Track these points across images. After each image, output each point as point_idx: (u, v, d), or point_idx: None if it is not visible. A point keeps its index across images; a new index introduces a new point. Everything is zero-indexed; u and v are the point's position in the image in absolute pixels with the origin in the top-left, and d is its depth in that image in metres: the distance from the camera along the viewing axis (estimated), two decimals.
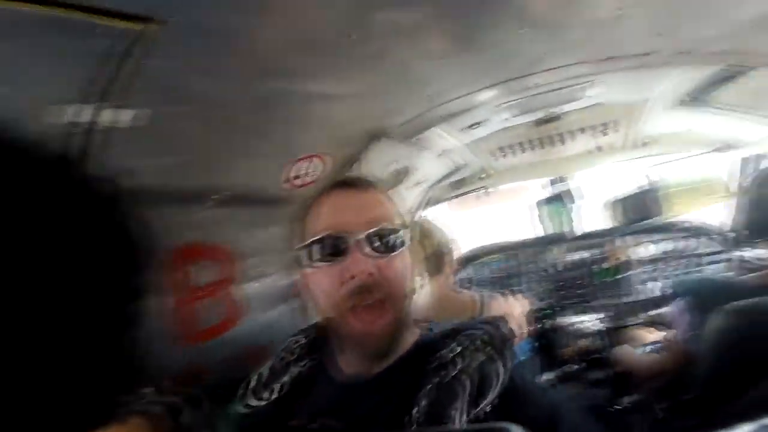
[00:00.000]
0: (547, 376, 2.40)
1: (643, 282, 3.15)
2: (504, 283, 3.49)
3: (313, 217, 0.77)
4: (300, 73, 0.96)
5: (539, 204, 2.97)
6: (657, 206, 2.49)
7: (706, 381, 1.15)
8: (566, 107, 1.92)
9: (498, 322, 0.78)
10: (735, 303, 1.11)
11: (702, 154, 2.41)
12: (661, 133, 2.35)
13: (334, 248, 0.72)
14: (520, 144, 2.42)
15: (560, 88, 1.69)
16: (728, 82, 1.66)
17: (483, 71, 1.27)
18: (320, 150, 1.32)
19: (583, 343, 2.80)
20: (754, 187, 1.52)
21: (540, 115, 2.00)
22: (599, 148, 2.57)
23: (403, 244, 0.75)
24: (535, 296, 3.34)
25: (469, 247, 3.72)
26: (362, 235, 0.71)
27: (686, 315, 1.32)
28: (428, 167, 2.48)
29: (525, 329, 1.64)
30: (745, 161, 2.48)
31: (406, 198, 2.42)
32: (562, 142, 2.35)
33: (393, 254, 0.73)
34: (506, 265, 3.54)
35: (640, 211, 2.56)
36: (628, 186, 2.76)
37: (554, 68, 1.33)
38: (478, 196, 3.19)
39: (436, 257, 1.54)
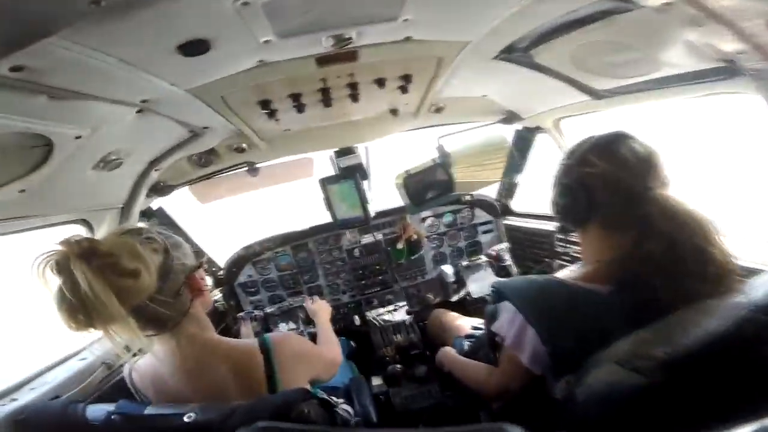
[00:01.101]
0: (376, 381, 2.22)
1: (435, 260, 2.92)
2: (297, 279, 2.75)
3: None
4: None
5: (324, 183, 2.15)
6: (448, 181, 2.05)
7: None
8: (365, 31, 1.07)
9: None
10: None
11: (491, 124, 2.09)
12: (457, 97, 1.85)
13: None
14: (294, 98, 1.48)
15: None
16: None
17: None
18: None
19: (399, 339, 2.48)
20: None
21: (327, 43, 1.09)
22: (394, 111, 1.90)
23: None
24: (337, 290, 2.88)
25: (242, 244, 2.70)
26: None
27: (524, 329, 1.05)
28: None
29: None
30: (518, 133, 2.33)
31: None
32: (354, 97, 1.54)
33: None
34: (296, 259, 2.77)
35: (431, 187, 2.08)
36: (419, 158, 2.24)
37: None
38: (237, 177, 2.12)
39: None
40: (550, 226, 2.48)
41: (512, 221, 2.87)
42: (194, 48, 0.91)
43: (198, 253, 1.24)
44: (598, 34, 1.13)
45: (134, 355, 0.97)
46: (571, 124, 2.07)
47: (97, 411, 0.95)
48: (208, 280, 2.64)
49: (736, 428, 0.50)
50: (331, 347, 1.58)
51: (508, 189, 2.81)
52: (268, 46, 1.04)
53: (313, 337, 2.30)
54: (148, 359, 1.08)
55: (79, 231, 1.66)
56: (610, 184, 1.01)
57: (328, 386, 1.55)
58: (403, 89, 1.62)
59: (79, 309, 0.80)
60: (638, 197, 0.98)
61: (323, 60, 1.25)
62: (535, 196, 2.83)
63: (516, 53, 1.34)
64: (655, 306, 0.86)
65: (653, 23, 1.03)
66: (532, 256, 2.70)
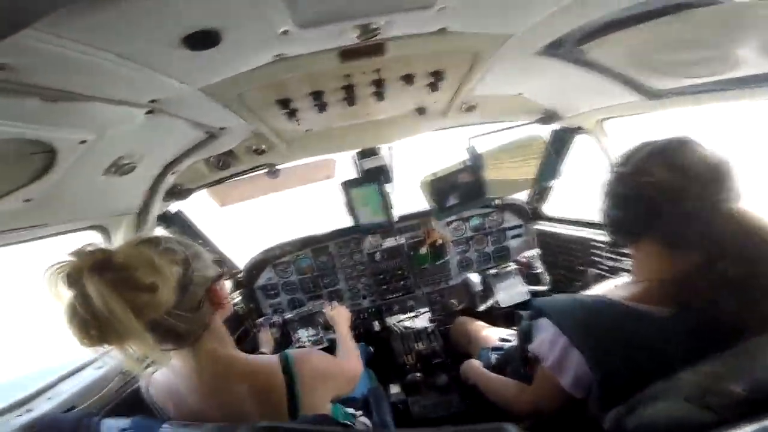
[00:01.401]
0: (394, 389, 2.15)
1: (461, 265, 2.76)
2: (317, 283, 2.65)
3: None
4: None
5: (346, 186, 2.01)
6: (479, 185, 1.88)
7: None
8: (394, 20, 0.91)
9: None
10: None
11: (527, 123, 1.89)
12: (490, 95, 1.67)
13: None
14: (315, 96, 1.35)
15: None
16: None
17: None
18: None
19: (420, 346, 2.34)
20: None
21: (352, 34, 0.94)
22: (421, 110, 1.74)
23: None
24: (357, 294, 2.77)
25: (263, 247, 2.61)
26: None
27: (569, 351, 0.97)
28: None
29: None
30: (555, 134, 2.12)
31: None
32: (380, 95, 1.39)
33: None
34: (317, 262, 2.66)
35: (460, 191, 1.92)
36: (447, 159, 2.08)
37: None
38: (257, 179, 2.01)
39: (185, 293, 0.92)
40: (585, 232, 2.29)
41: (544, 226, 2.66)
42: (202, 40, 0.78)
43: (219, 261, 1.12)
44: (669, 29, 0.94)
45: (147, 366, 0.91)
46: (616, 125, 1.86)
47: (111, 427, 0.90)
48: (228, 286, 2.57)
49: (737, 428, 0.48)
50: (352, 359, 1.49)
51: (540, 192, 2.61)
52: (286, 37, 0.90)
53: (333, 344, 2.23)
54: (166, 372, 1.02)
55: (95, 238, 1.60)
56: (673, 195, 0.89)
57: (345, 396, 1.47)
58: (433, 86, 1.45)
59: (92, 324, 0.75)
60: (707, 211, 0.85)
61: (347, 54, 1.10)
62: (571, 200, 2.63)
63: (564, 48, 1.16)
64: (725, 333, 0.76)
65: (735, 18, 0.84)
66: (564, 264, 2.50)
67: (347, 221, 2.53)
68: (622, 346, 0.88)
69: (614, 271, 2.08)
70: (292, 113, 1.43)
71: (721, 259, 0.83)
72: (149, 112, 1.13)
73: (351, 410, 1.57)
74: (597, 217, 2.13)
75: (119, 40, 0.73)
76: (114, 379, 1.36)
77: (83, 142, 1.07)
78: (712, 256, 0.84)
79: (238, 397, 0.95)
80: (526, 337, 1.27)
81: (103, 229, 1.61)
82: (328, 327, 2.35)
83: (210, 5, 0.71)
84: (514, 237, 2.79)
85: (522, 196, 2.73)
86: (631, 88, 1.32)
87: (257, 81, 1.13)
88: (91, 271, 0.75)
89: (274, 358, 1.02)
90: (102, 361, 1.41)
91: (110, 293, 0.74)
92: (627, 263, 1.93)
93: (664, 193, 0.89)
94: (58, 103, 0.87)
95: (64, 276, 0.76)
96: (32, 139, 0.92)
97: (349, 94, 1.38)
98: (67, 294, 0.76)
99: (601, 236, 2.17)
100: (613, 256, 2.07)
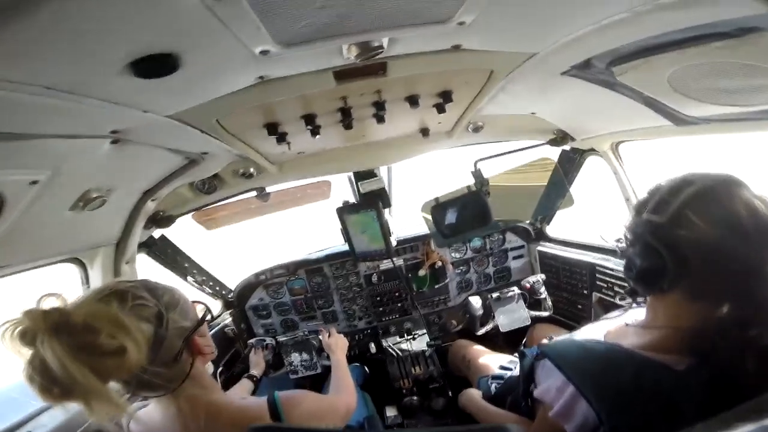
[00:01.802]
0: (390, 412, 2.06)
1: (460, 287, 2.58)
2: (311, 304, 2.50)
3: None
4: None
5: (342, 212, 1.83)
6: (483, 212, 1.71)
7: None
8: (401, 37, 0.75)
9: None
10: None
11: (537, 145, 1.74)
12: (500, 115, 1.51)
13: None
14: (307, 119, 1.17)
15: None
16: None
17: None
18: None
19: (417, 371, 2.19)
20: None
21: (348, 54, 0.78)
22: (425, 131, 1.57)
23: None
24: (352, 316, 2.60)
25: (254, 269, 2.43)
26: None
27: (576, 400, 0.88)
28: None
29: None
30: (564, 154, 1.95)
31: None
32: (380, 118, 1.22)
33: None
34: (311, 284, 2.51)
35: (463, 218, 1.75)
36: (448, 176, 1.91)
37: None
38: (246, 201, 1.82)
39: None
40: (590, 257, 2.14)
41: (546, 248, 2.50)
42: (156, 67, 0.60)
43: (200, 303, 0.95)
44: (726, 54, 0.77)
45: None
46: (630, 147, 1.70)
47: None
48: (217, 307, 2.38)
49: (737, 428, 0.45)
50: (347, 394, 1.40)
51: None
52: (267, 58, 0.72)
53: (326, 370, 2.11)
54: (151, 410, 0.94)
55: (71, 270, 1.42)
56: (715, 254, 0.77)
57: None
58: (440, 108, 1.28)
59: (53, 385, 0.67)
60: (752, 272, 0.74)
61: (343, 74, 0.93)
62: (574, 222, 2.47)
63: (593, 69, 1.00)
64: (742, 388, 0.69)
65: None
66: (567, 287, 2.34)
67: (341, 244, 2.37)
68: (634, 399, 0.81)
69: (617, 296, 1.93)
70: (281, 137, 1.25)
71: (755, 323, 0.74)
72: (114, 141, 0.94)
73: None
74: (602, 241, 2.04)
75: (56, 72, 0.55)
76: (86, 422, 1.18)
77: (34, 183, 0.89)
78: (744, 317, 0.76)
79: None
80: (528, 374, 1.19)
81: (79, 262, 1.43)
82: (321, 352, 2.19)
83: (157, 27, 0.52)
84: (515, 258, 2.63)
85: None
86: (658, 113, 1.16)
87: (238, 105, 0.95)
88: (47, 334, 0.66)
89: (262, 402, 0.95)
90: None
91: (70, 360, 0.65)
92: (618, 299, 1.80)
93: (703, 251, 0.77)
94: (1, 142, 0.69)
95: (18, 335, 0.67)
96: None
97: (346, 117, 1.20)
98: (26, 351, 0.68)
99: (606, 261, 2.03)
100: (620, 283, 1.92)
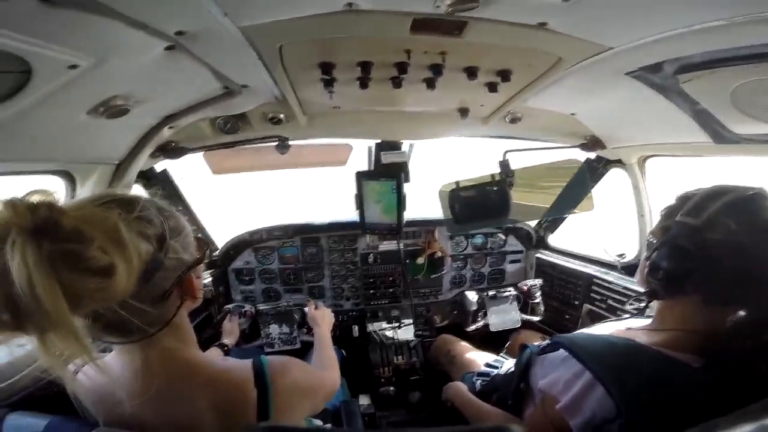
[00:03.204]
0: (364, 400, 2.10)
1: (453, 282, 2.62)
2: (299, 276, 2.48)
3: None
4: None
5: (361, 177, 1.83)
6: (504, 203, 1.75)
7: None
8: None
9: None
10: None
11: (567, 147, 1.80)
12: (541, 110, 1.55)
13: None
14: (363, 67, 1.17)
15: None
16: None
17: None
18: None
19: (400, 360, 2.24)
20: None
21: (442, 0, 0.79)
22: (464, 112, 1.59)
23: None
24: (340, 295, 2.58)
25: (249, 227, 2.38)
26: None
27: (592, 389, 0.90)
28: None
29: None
30: (588, 163, 2.03)
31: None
32: (431, 83, 1.23)
33: None
34: (303, 254, 2.47)
35: (482, 206, 1.78)
36: (464, 168, 1.95)
37: None
38: (262, 151, 1.79)
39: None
40: (590, 269, 2.24)
41: (545, 256, 2.60)
42: None
43: (201, 241, 0.88)
44: None
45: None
46: (654, 166, 1.80)
47: (21, 422, 0.75)
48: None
49: (737, 428, 0.49)
50: (333, 371, 1.34)
51: (552, 220, 2.54)
52: None
53: (305, 346, 2.09)
54: (108, 362, 0.80)
55: (57, 185, 1.31)
56: (746, 259, 0.82)
57: None
58: (492, 87, 1.31)
59: (5, 307, 0.53)
60: None
61: (422, 24, 0.93)
62: (578, 232, 2.59)
63: (660, 74, 1.05)
64: (756, 388, 0.74)
65: None
66: (558, 296, 2.45)
67: (346, 215, 2.36)
68: (654, 393, 0.83)
69: (611, 311, 2.04)
70: (329, 82, 1.23)
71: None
72: (169, 47, 0.91)
73: (318, 422, 1.42)
74: (604, 254, 2.15)
75: None
76: (33, 363, 1.04)
77: (73, 67, 0.83)
78: (760, 322, 0.82)
79: (194, 409, 0.76)
80: (524, 367, 1.22)
81: (69, 176, 1.33)
82: (303, 326, 2.16)
83: None
84: (512, 262, 2.72)
85: (532, 222, 2.65)
86: (703, 127, 1.23)
87: (310, 33, 0.94)
88: (23, 234, 0.52)
89: (246, 365, 0.83)
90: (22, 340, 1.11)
91: (41, 273, 0.51)
92: (629, 306, 1.91)
93: (734, 255, 0.83)
94: (57, 9, 0.64)
95: None
96: (6, 51, 0.68)
97: (400, 74, 1.21)
98: None
99: (606, 275, 2.13)
100: (616, 297, 2.03)
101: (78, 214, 0.58)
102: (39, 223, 0.53)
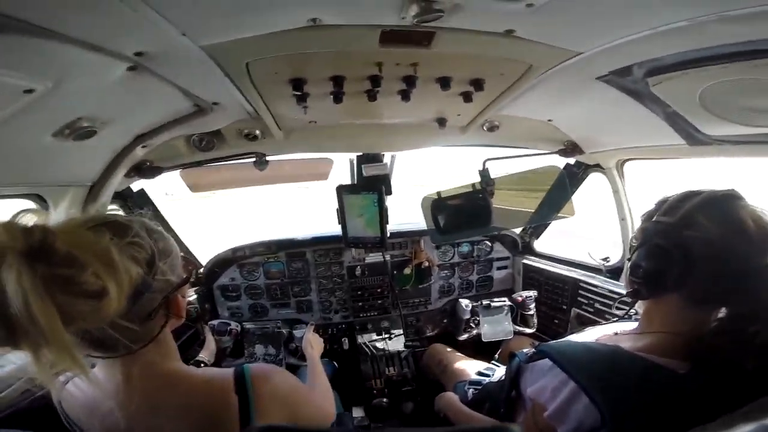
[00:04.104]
0: (357, 413, 2.07)
1: (442, 291, 2.59)
2: (286, 291, 2.45)
3: None
4: None
5: (342, 191, 1.81)
6: (486, 212, 1.74)
7: None
8: (461, 7, 0.76)
9: None
10: None
11: (545, 153, 1.80)
12: (518, 117, 1.56)
13: None
14: (336, 82, 1.15)
15: None
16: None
17: None
18: None
19: (391, 371, 2.20)
20: None
21: (406, 12, 0.78)
22: (441, 122, 1.58)
23: None
24: (329, 308, 2.54)
25: (234, 243, 2.33)
26: None
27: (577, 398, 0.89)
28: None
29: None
30: (568, 168, 2.04)
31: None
32: (406, 95, 1.22)
33: None
34: (289, 269, 2.44)
35: (465, 216, 1.77)
36: (447, 176, 1.93)
37: None
38: (240, 167, 1.76)
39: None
40: (575, 273, 2.24)
41: (532, 261, 2.59)
42: None
43: (188, 261, 0.87)
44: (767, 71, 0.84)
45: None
46: (631, 169, 1.81)
47: None
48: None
49: (737, 428, 0.49)
50: (327, 399, 1.28)
51: (536, 227, 2.53)
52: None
53: (291, 370, 2.02)
54: (83, 382, 0.82)
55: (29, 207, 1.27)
56: (719, 253, 0.84)
57: None
58: (467, 97, 1.30)
59: (2, 324, 0.54)
60: (753, 273, 0.81)
61: (390, 37, 0.92)
62: (561, 237, 2.59)
63: (630, 78, 1.05)
64: (742, 390, 0.74)
65: None
66: (546, 302, 2.44)
67: (329, 228, 2.33)
68: (639, 401, 0.82)
69: (598, 314, 2.03)
70: (302, 98, 1.22)
71: (753, 321, 0.80)
72: (131, 68, 0.88)
73: None
74: (588, 259, 2.15)
75: None
76: (20, 379, 1.05)
77: (29, 91, 0.80)
78: (743, 316, 0.82)
79: (175, 419, 0.77)
80: (514, 376, 1.21)
81: (41, 199, 1.28)
82: (288, 345, 2.12)
83: None
84: (499, 269, 2.70)
85: (517, 228, 2.64)
86: (676, 130, 1.24)
87: (276, 49, 0.92)
88: (18, 257, 0.53)
89: (227, 373, 0.83)
90: (10, 356, 1.08)
91: (36, 294, 0.53)
92: (615, 309, 1.90)
93: (709, 250, 0.84)
94: (4, 35, 0.62)
95: None
96: None
97: (373, 87, 1.19)
98: None
99: (591, 279, 2.13)
100: (602, 300, 2.02)
101: (70, 239, 0.59)
102: (34, 246, 0.55)
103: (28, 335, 0.54)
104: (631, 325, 1.17)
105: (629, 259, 1.00)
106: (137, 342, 0.75)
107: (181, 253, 0.88)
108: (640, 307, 1.08)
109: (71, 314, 0.57)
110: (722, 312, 0.86)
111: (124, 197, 1.65)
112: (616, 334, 1.13)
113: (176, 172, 1.69)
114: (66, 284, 0.57)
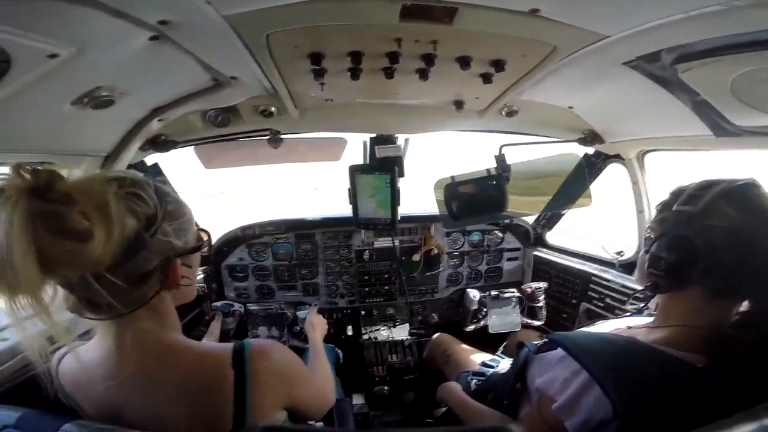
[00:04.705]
0: (357, 399, 2.11)
1: (450, 280, 2.60)
2: (294, 273, 2.47)
3: None
4: None
5: (354, 171, 1.82)
6: (500, 199, 1.74)
7: None
8: None
9: None
10: None
11: (563, 141, 1.78)
12: (538, 103, 1.54)
13: None
14: (354, 57, 1.15)
15: None
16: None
17: None
18: None
19: (394, 359, 2.23)
20: None
21: None
22: (459, 104, 1.58)
23: None
24: (335, 292, 2.56)
25: (242, 222, 2.37)
26: None
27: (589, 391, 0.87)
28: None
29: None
30: (586, 158, 2.02)
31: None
32: (424, 74, 1.21)
33: None
34: (298, 250, 2.47)
35: (479, 202, 1.76)
36: (460, 162, 1.93)
37: None
38: (254, 145, 1.78)
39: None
40: (588, 267, 2.23)
41: (543, 254, 2.58)
42: None
43: (203, 232, 0.91)
44: None
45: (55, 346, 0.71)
46: (652, 161, 1.79)
47: None
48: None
49: (737, 428, 0.50)
50: (327, 383, 1.26)
51: (549, 218, 2.52)
52: None
53: (295, 351, 2.04)
54: (89, 345, 0.80)
55: None
56: (744, 244, 0.82)
57: None
58: (486, 78, 1.29)
59: None
60: None
61: (411, 11, 0.91)
62: (575, 230, 2.57)
63: (657, 64, 1.03)
64: (761, 386, 0.73)
65: None
66: (555, 295, 2.44)
67: (340, 210, 2.34)
68: (655, 395, 0.80)
69: (608, 309, 2.03)
70: (319, 72, 1.22)
71: None
72: (154, 37, 0.89)
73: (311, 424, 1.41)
74: (602, 252, 2.13)
75: None
76: (18, 355, 1.07)
77: (53, 56, 0.82)
78: (765, 311, 0.81)
79: (168, 393, 0.75)
80: (521, 367, 1.20)
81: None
82: (293, 328, 2.15)
83: None
84: (509, 260, 2.70)
85: (529, 219, 2.63)
86: (703, 119, 1.22)
87: (297, 21, 0.93)
88: (19, 192, 0.57)
89: (227, 347, 0.81)
90: (8, 332, 1.09)
91: (22, 227, 0.55)
92: (629, 305, 1.89)
93: (733, 240, 0.82)
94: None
95: None
96: None
97: (392, 63, 1.19)
98: None
99: (604, 273, 2.12)
100: (614, 295, 2.02)
101: (74, 183, 0.62)
102: (39, 186, 0.58)
103: (6, 276, 0.55)
104: (644, 320, 1.16)
105: (647, 251, 0.98)
106: (129, 305, 0.73)
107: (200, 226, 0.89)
108: (653, 301, 1.06)
109: (52, 256, 0.58)
110: (744, 305, 0.85)
111: (138, 169, 1.68)
112: (629, 327, 1.11)
113: (186, 158, 1.71)
114: (53, 219, 0.58)
